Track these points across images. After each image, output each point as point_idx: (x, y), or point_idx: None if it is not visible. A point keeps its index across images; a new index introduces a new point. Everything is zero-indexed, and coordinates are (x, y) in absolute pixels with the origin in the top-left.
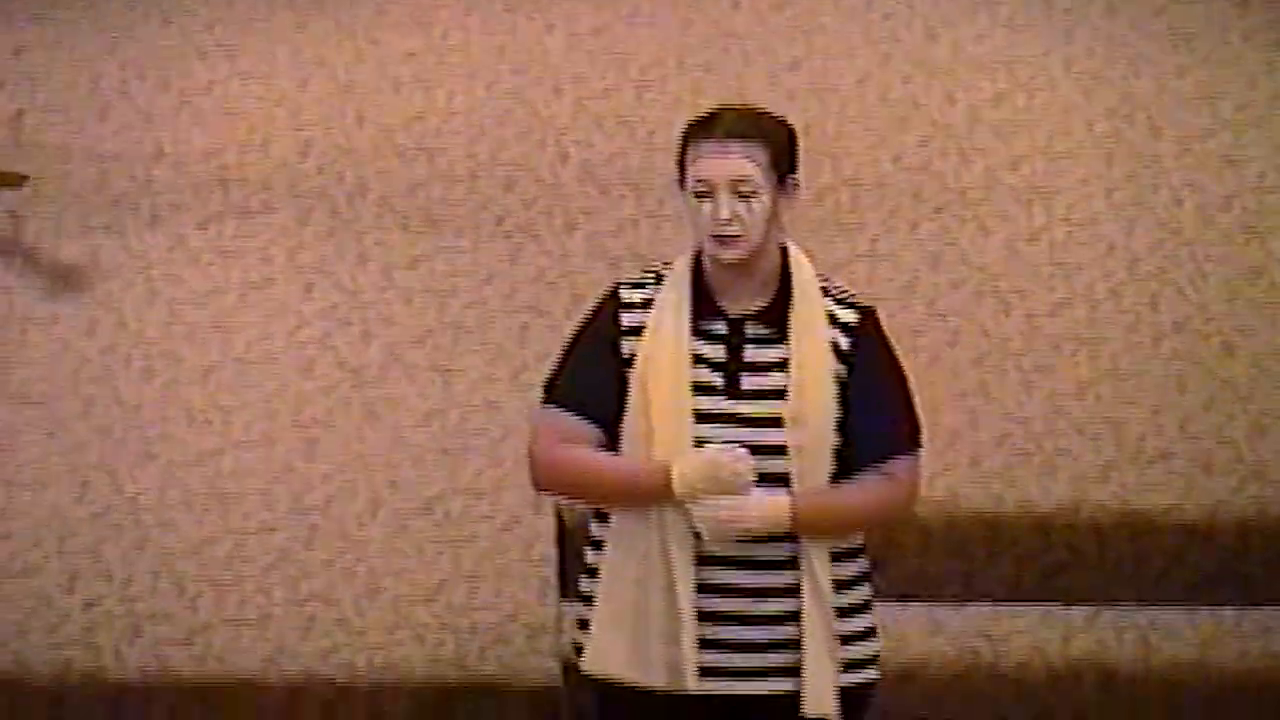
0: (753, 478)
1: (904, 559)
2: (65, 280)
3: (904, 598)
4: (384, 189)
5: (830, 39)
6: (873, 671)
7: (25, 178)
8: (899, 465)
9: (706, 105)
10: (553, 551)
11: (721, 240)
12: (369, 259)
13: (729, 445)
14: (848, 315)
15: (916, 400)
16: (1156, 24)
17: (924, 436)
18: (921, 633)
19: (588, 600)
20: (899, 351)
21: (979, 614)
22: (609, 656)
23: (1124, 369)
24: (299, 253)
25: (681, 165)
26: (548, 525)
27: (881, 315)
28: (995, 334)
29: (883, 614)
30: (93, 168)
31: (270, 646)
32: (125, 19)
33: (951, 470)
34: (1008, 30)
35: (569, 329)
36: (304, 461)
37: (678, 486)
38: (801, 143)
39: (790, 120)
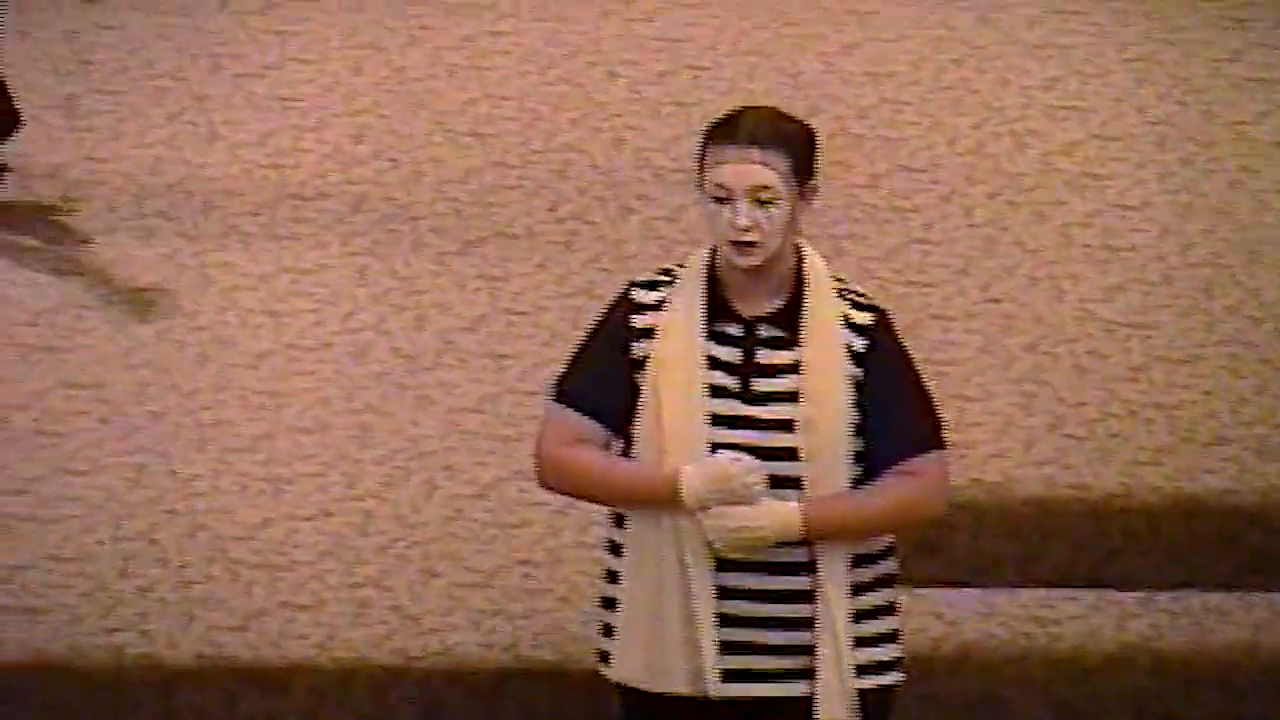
0: (763, 486)
1: (957, 543)
2: (118, 265)
3: (957, 582)
4: (438, 174)
5: (884, 23)
6: (894, 675)
7: (9, 169)
8: (922, 463)
9: (760, 90)
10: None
11: (739, 247)
12: (423, 244)
13: (738, 454)
14: (861, 317)
15: (934, 399)
16: (1210, 8)
17: (945, 434)
18: (975, 617)
19: (609, 605)
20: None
21: (1032, 598)
22: (631, 663)
23: (1177, 353)
24: (352, 238)
25: (701, 166)
26: (602, 510)
27: (920, 307)
28: (1049, 319)
29: (935, 598)
30: (146, 152)
31: (324, 632)
32: (179, 3)
33: (1005, 455)
34: (1060, 15)
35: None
36: (358, 447)
37: (687, 496)
38: (855, 127)
39: (845, 102)
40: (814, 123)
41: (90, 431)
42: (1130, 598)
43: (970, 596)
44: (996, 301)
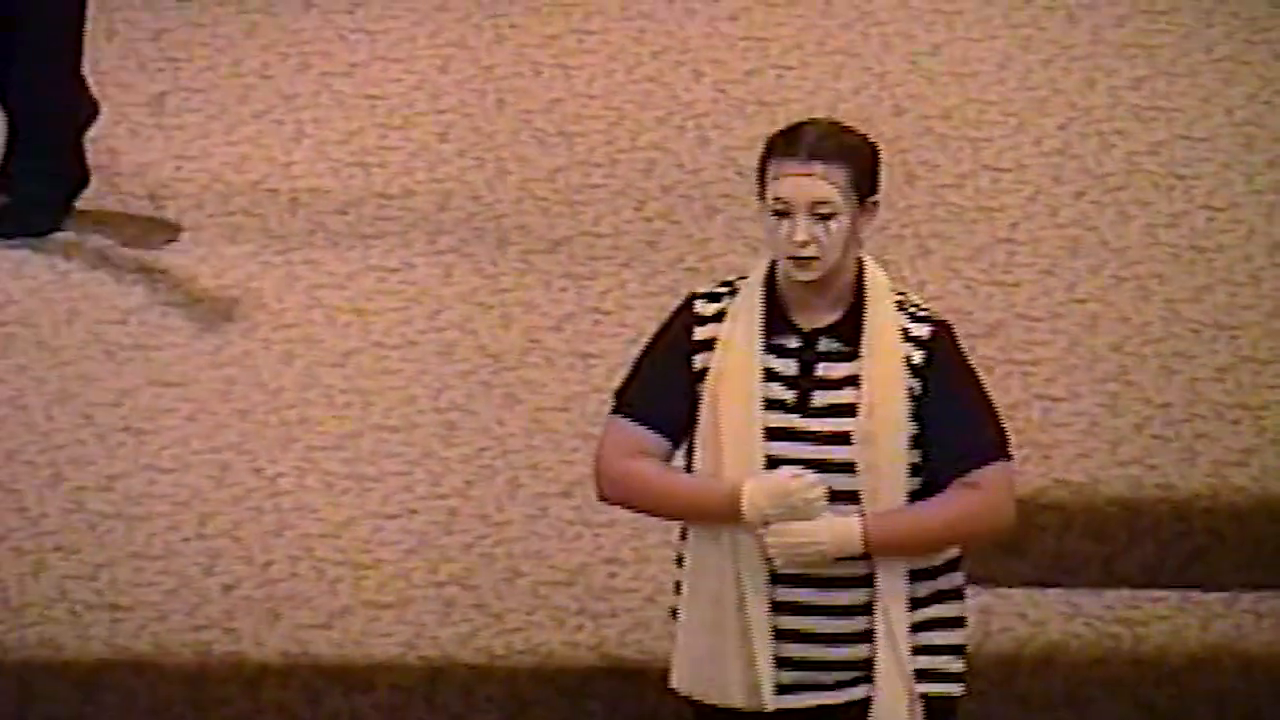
0: (824, 501)
1: (1042, 544)
2: (205, 263)
3: (1042, 583)
4: (524, 173)
5: (970, 22)
6: (957, 686)
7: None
8: (985, 475)
9: (846, 89)
10: None
11: (797, 261)
12: (508, 243)
13: (798, 469)
14: (921, 329)
15: (997, 410)
16: None
17: (1010, 444)
18: (1060, 617)
19: (674, 616)
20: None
21: (1117, 599)
22: (690, 675)
23: (1263, 353)
24: (438, 237)
25: (762, 178)
26: None
27: (1005, 307)
28: (1135, 319)
29: (1020, 598)
30: (233, 150)
31: (409, 630)
32: (266, 1)
33: (1090, 455)
34: (1148, 15)
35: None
36: (443, 445)
37: (747, 512)
38: (940, 127)
39: (931, 101)
40: (899, 122)
41: (176, 429)
42: (1216, 598)
43: (1055, 597)
44: (1082, 302)
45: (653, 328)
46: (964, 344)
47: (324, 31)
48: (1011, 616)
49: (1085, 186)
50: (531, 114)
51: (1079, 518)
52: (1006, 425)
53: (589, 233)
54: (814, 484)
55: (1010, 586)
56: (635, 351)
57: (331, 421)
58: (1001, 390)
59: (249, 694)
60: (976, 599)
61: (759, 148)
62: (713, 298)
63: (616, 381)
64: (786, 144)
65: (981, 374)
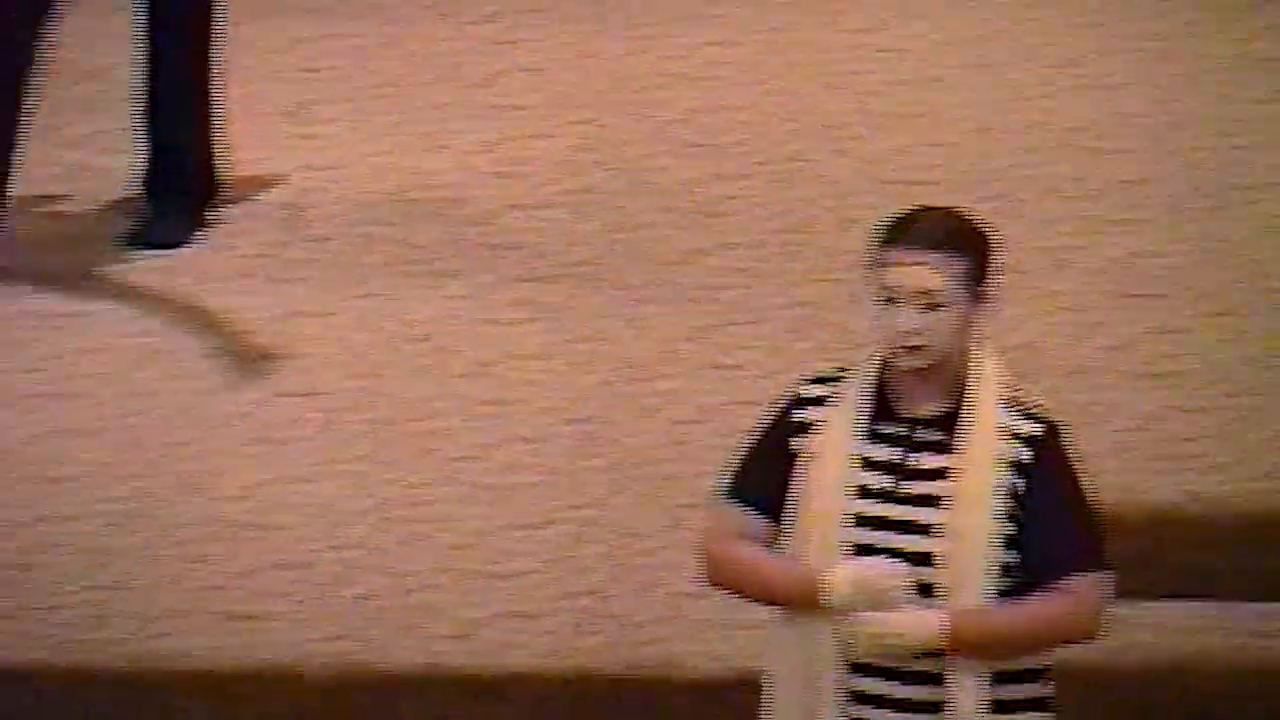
0: (908, 592)
1: (1171, 555)
2: (341, 272)
3: (1174, 595)
4: (661, 183)
5: (1105, 35)
6: None
7: None
8: (1080, 582)
9: (985, 102)
10: None
11: (903, 350)
12: (645, 254)
13: (885, 559)
14: (1029, 428)
15: (1099, 517)
16: None
17: (1106, 553)
18: (1187, 630)
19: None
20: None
21: (1248, 611)
22: None
23: None
24: (576, 247)
25: (871, 265)
26: None
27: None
28: (1273, 331)
29: (1153, 611)
30: (372, 160)
31: (546, 641)
32: (404, 12)
33: (1222, 469)
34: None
35: (849, 324)
36: (580, 457)
37: (832, 598)
38: (1083, 139)
39: (1068, 113)
40: (1041, 134)
41: (310, 440)
42: None
43: (1184, 609)
44: (1219, 315)
45: (789, 340)
46: (1100, 359)
47: (462, 42)
48: (1139, 629)
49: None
50: (668, 124)
51: (1208, 529)
52: (1142, 436)
53: (725, 243)
54: (898, 573)
55: (1138, 599)
56: (773, 363)
57: (469, 432)
58: (1138, 402)
59: (384, 704)
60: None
61: (896, 160)
62: (820, 380)
63: (752, 394)
64: (895, 232)
65: (1121, 389)
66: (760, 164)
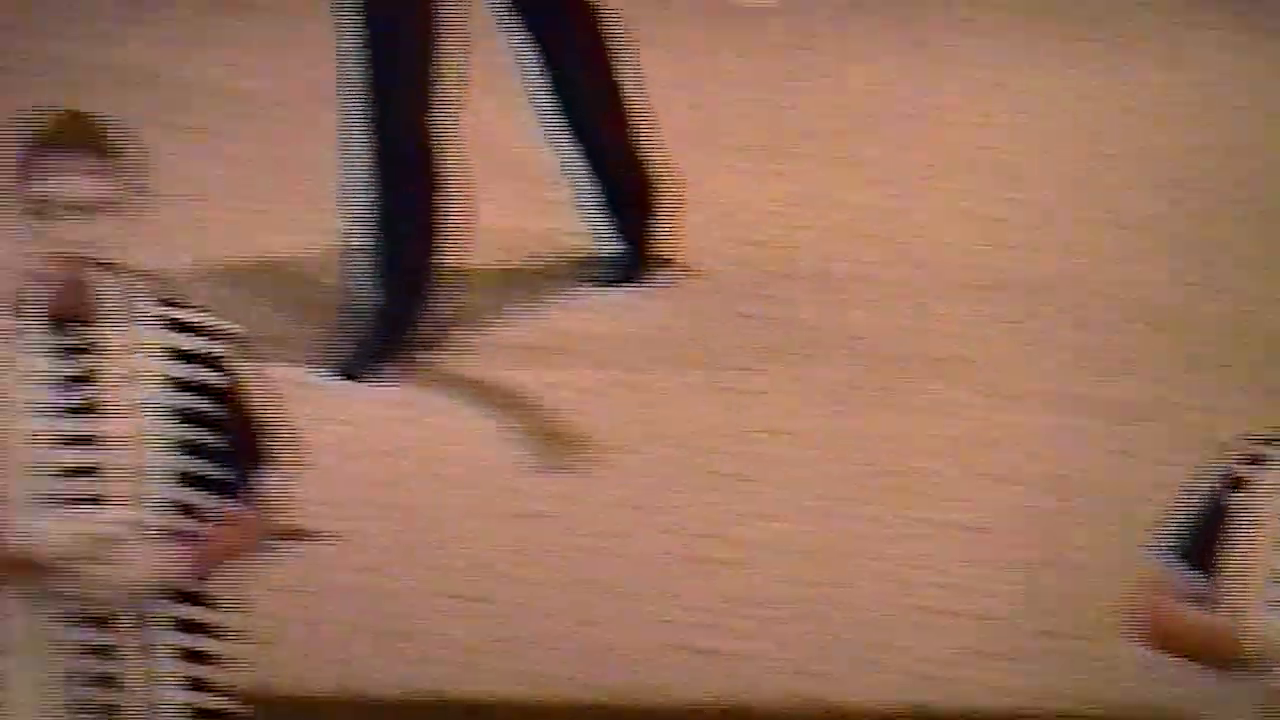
0: None
1: None
2: (818, 304)
3: None
4: (1128, 222)
5: None
6: None
7: None
8: None
9: None
10: None
11: None
12: (1115, 293)
13: None
14: None
15: None
16: None
17: None
18: None
19: None
20: None
21: None
22: None
23: None
24: (1048, 291)
25: None
26: None
27: None
28: None
29: None
30: (849, 199)
31: (1024, 682)
32: (882, 48)
33: None
34: None
35: None
36: (1056, 499)
37: (1247, 647)
38: None
39: None
40: None
41: (779, 476)
42: None
43: None
44: None
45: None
46: None
47: (954, 84)
48: None
49: None
50: (1139, 158)
51: None
52: None
53: (1196, 283)
54: None
55: None
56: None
57: (946, 470)
58: None
59: None
60: None
61: None
62: (1259, 440)
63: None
64: None
65: None
66: (1238, 203)
